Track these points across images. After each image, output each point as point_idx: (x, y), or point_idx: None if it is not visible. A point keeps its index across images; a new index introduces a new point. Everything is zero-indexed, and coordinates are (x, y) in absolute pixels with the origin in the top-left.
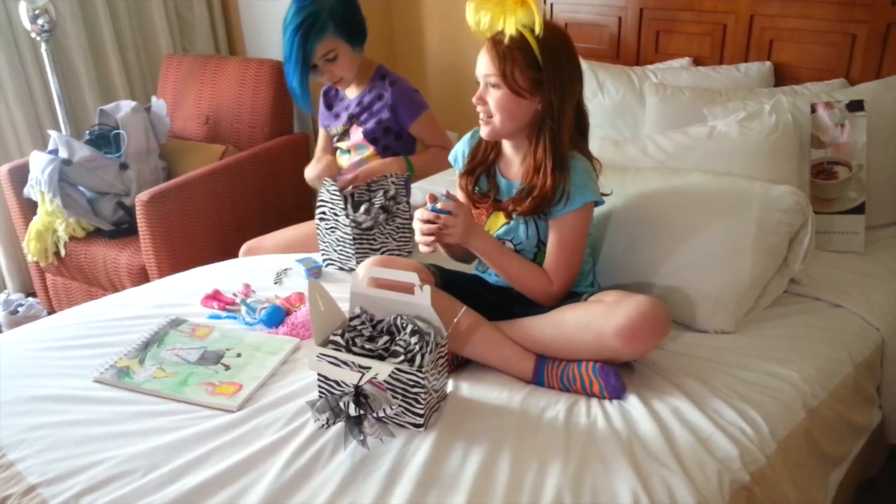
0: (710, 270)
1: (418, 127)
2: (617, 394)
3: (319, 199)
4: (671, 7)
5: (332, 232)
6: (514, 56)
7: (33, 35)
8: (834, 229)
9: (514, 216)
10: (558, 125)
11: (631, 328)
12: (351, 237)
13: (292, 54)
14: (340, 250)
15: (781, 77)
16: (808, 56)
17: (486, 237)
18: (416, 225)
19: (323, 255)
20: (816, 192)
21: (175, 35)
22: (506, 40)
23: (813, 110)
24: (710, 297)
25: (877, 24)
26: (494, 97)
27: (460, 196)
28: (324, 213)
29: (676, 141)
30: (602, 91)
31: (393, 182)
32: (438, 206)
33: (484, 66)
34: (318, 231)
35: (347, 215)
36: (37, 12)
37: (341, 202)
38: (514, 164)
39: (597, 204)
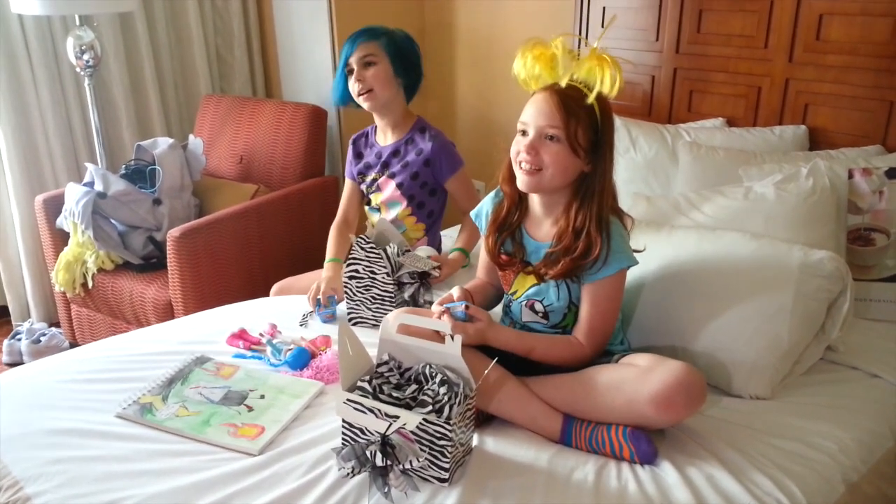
0: (746, 334)
1: (455, 182)
2: (648, 459)
3: (351, 256)
4: (705, 68)
5: (367, 290)
6: (578, 114)
7: (78, 70)
8: (871, 297)
9: (545, 279)
10: (602, 189)
11: (665, 396)
12: (392, 296)
13: (344, 52)
14: (377, 309)
15: (816, 141)
16: (843, 121)
17: (506, 333)
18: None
19: (351, 313)
20: (853, 258)
21: (214, 76)
22: (570, 92)
23: (850, 176)
24: (746, 361)
25: None
26: (551, 150)
27: (483, 258)
28: (356, 270)
29: (712, 200)
30: (634, 147)
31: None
32: (459, 310)
33: (544, 116)
34: (347, 290)
35: (388, 274)
36: (83, 48)
37: (382, 261)
38: (544, 224)
39: (629, 267)
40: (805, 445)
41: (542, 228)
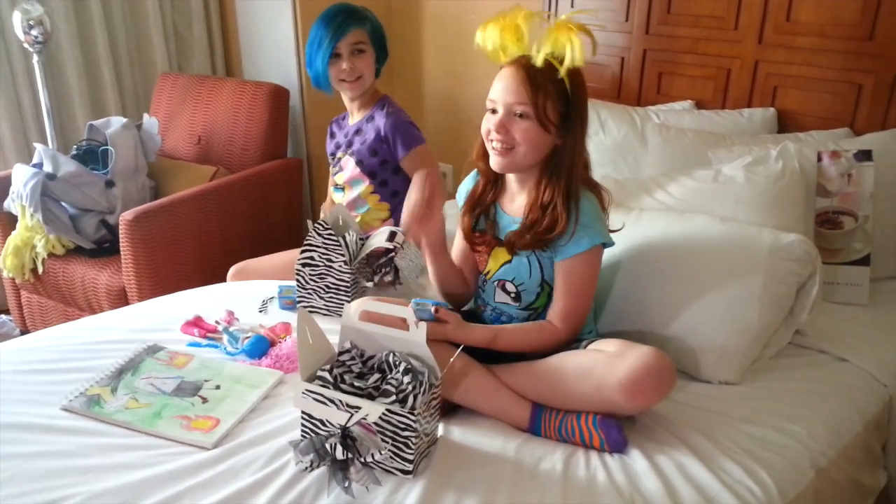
0: (716, 318)
1: (410, 161)
2: (618, 448)
3: (307, 242)
4: (675, 50)
5: (322, 279)
6: (546, 87)
7: (26, 46)
8: (838, 280)
9: (516, 252)
10: (573, 162)
11: (634, 382)
12: (349, 285)
13: (325, 32)
14: (330, 298)
15: (785, 124)
16: (812, 104)
17: (475, 333)
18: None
19: (301, 300)
20: (821, 241)
21: (172, 53)
22: (538, 65)
23: (819, 159)
24: (715, 345)
25: (884, 74)
26: (521, 127)
27: (459, 236)
28: (311, 258)
29: (681, 183)
30: (603, 130)
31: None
32: (428, 310)
33: (511, 93)
34: (300, 276)
35: (346, 262)
36: (31, 23)
37: (340, 249)
38: (517, 199)
39: (605, 246)
40: (774, 431)
41: (516, 202)
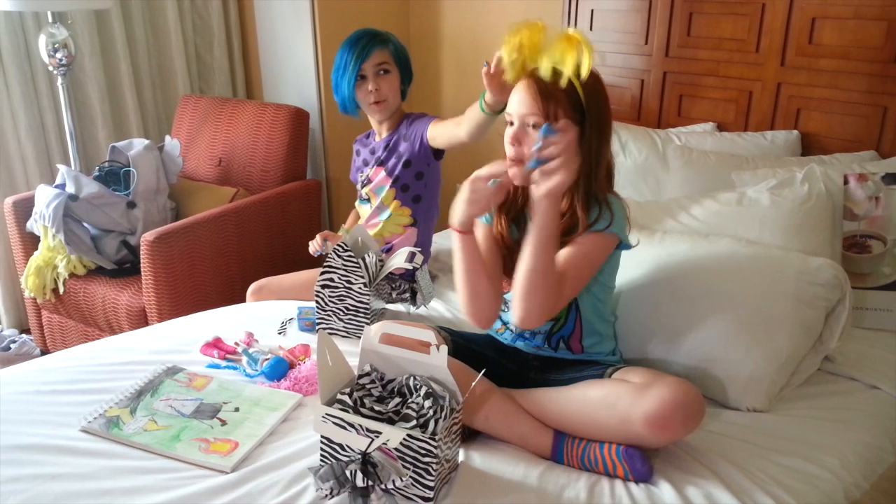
0: (742, 343)
1: (434, 128)
2: (643, 478)
3: (327, 264)
4: (695, 72)
5: (341, 300)
6: (557, 97)
7: (51, 68)
8: (867, 305)
9: None
10: (595, 169)
11: (661, 416)
12: (368, 307)
13: (350, 56)
14: (349, 320)
15: (808, 146)
16: (836, 126)
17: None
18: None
19: (320, 322)
20: (849, 265)
21: (193, 76)
22: (547, 78)
23: (845, 181)
24: (742, 372)
25: None
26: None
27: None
28: (331, 279)
29: (704, 205)
30: (624, 151)
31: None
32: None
33: (524, 105)
34: (319, 298)
35: (366, 284)
36: (56, 46)
37: (360, 271)
38: None
39: (621, 246)
40: (805, 461)
41: None
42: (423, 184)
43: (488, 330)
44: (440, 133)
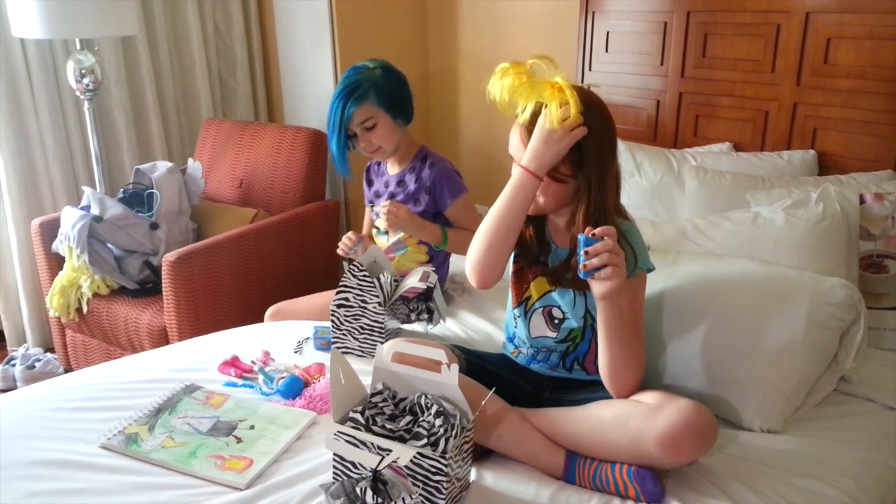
0: (756, 364)
1: (455, 209)
2: (655, 499)
3: (342, 284)
4: (711, 92)
5: (356, 319)
6: None
7: (78, 94)
8: (884, 326)
9: (560, 283)
10: (601, 197)
11: (673, 437)
12: (383, 326)
13: (334, 119)
14: (364, 339)
15: (825, 166)
16: (853, 146)
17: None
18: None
19: (335, 341)
20: (865, 286)
21: (216, 100)
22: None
23: (862, 201)
24: (757, 392)
25: None
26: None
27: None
28: (346, 299)
29: (718, 225)
30: (639, 172)
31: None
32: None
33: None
34: (334, 317)
35: (381, 303)
36: (83, 72)
37: (375, 290)
38: (560, 230)
39: (649, 271)
40: (821, 482)
41: (559, 234)
42: (439, 223)
43: (504, 350)
44: (456, 223)
